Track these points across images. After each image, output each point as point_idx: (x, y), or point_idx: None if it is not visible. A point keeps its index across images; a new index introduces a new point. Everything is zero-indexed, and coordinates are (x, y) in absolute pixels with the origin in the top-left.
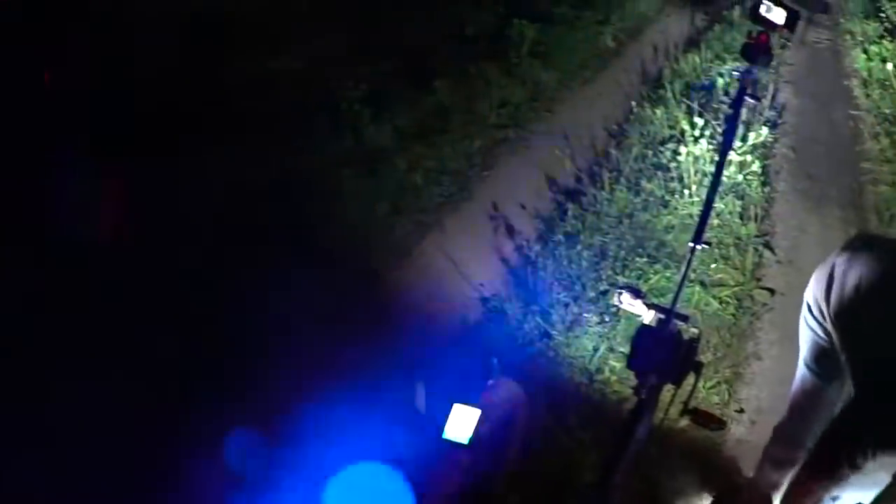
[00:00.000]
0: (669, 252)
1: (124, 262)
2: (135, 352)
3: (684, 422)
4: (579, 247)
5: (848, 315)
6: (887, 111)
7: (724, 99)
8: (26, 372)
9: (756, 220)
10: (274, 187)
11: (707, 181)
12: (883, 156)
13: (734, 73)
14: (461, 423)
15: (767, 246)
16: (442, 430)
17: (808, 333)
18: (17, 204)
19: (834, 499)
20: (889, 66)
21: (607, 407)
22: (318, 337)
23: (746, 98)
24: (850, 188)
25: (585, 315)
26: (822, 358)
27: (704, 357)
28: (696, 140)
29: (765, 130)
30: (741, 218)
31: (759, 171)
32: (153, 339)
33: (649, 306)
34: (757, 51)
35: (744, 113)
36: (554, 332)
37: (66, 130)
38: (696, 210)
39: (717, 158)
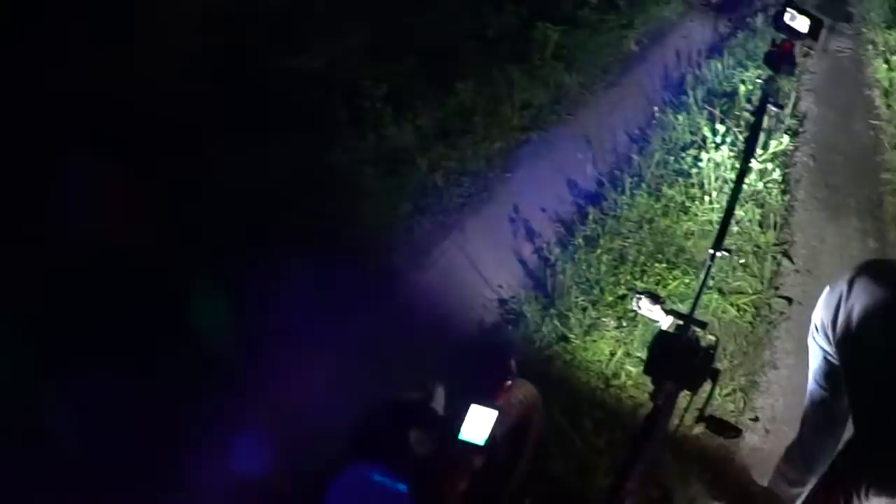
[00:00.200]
0: (688, 258)
1: (145, 260)
2: (160, 350)
3: (699, 429)
4: (598, 251)
5: (851, 346)
6: None
7: (746, 106)
8: (29, 372)
9: (775, 228)
10: (294, 185)
11: (727, 188)
12: None
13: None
14: (478, 424)
15: (786, 254)
16: (458, 430)
17: (816, 352)
18: (38, 203)
19: None
20: None
21: (623, 412)
22: (336, 335)
23: (769, 105)
24: (870, 199)
25: (603, 319)
26: (831, 374)
27: (721, 364)
28: (717, 147)
29: (786, 138)
30: (760, 226)
31: (780, 179)
32: (169, 338)
33: (668, 312)
34: (781, 59)
35: (766, 120)
36: (571, 336)
37: (85, 129)
38: (716, 216)
39: (737, 165)
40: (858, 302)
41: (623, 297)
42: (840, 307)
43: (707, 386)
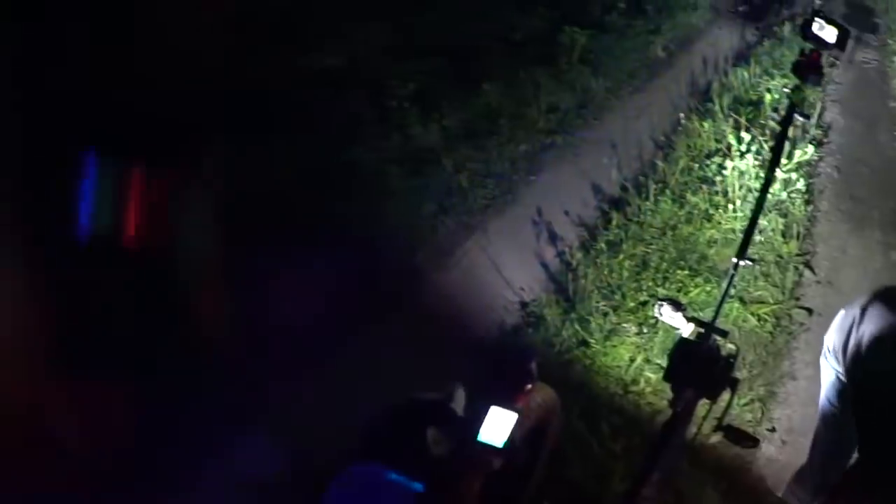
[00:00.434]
0: (710, 266)
1: (171, 258)
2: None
3: (716, 437)
4: (621, 256)
5: (860, 369)
6: None
7: (772, 115)
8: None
9: (798, 238)
10: (318, 184)
11: (751, 196)
12: None
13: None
14: (497, 426)
15: (808, 265)
16: (477, 431)
17: (828, 372)
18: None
19: None
20: None
21: (641, 418)
22: (356, 333)
23: (796, 115)
24: (893, 211)
25: (624, 325)
26: (843, 393)
27: (740, 374)
28: (742, 155)
29: (810, 149)
30: (783, 236)
31: (804, 189)
32: (183, 337)
33: (689, 319)
34: (809, 69)
35: (791, 130)
36: (591, 341)
37: (106, 128)
38: (739, 225)
39: (762, 174)
40: (869, 327)
41: (644, 304)
42: (852, 331)
43: (726, 395)
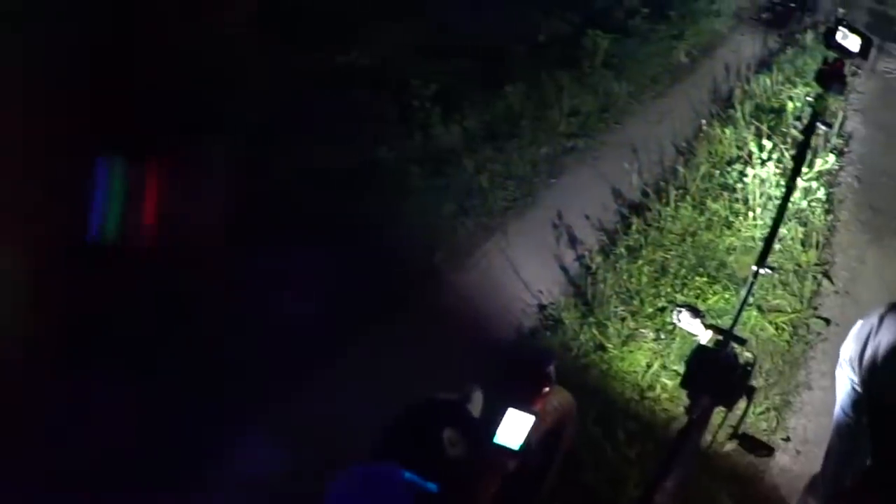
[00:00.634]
0: (730, 273)
1: (191, 256)
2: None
3: (731, 445)
4: (640, 261)
5: (876, 379)
6: None
7: (794, 123)
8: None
9: (817, 247)
10: (340, 182)
11: (772, 204)
12: None
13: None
14: (514, 429)
15: (826, 275)
16: (494, 433)
17: (843, 382)
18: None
19: None
20: None
21: (656, 424)
22: (374, 333)
23: (818, 124)
24: None
25: (641, 330)
26: (858, 403)
27: (756, 382)
28: (763, 162)
29: (831, 158)
30: (802, 244)
31: (824, 198)
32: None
33: (707, 326)
34: (832, 77)
35: (813, 139)
36: (609, 345)
37: (133, 125)
38: (759, 233)
39: (783, 182)
40: (887, 337)
41: (662, 310)
42: (869, 341)
43: (742, 403)
